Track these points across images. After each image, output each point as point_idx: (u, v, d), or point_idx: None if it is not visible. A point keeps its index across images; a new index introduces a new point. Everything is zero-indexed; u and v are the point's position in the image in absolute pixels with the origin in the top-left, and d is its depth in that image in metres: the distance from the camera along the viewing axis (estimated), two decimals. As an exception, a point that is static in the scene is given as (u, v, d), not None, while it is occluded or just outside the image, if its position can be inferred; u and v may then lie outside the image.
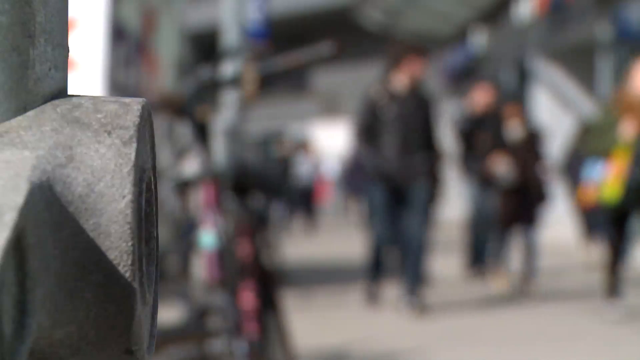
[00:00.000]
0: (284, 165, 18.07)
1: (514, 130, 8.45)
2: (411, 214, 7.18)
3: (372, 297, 7.52)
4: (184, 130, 3.06)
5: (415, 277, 7.16)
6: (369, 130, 7.28)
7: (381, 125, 7.19)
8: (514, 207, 8.26)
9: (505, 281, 8.29)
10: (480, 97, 8.95)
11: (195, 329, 2.97)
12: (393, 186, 7.20)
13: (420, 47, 7.76)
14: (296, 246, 13.63)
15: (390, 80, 7.38)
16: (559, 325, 6.55)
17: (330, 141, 25.77)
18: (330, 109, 27.42)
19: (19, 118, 0.50)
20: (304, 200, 19.43)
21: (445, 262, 10.08)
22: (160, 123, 3.12)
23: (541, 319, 6.90)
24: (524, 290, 8.07)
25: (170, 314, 4.57)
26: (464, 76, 19.78)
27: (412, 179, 7.18)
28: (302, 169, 20.16)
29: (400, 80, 7.31)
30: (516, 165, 8.26)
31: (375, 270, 7.54)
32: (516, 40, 18.11)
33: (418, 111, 7.27)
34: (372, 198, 7.55)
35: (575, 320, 6.76)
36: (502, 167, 8.34)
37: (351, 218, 21.78)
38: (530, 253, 8.37)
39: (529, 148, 8.36)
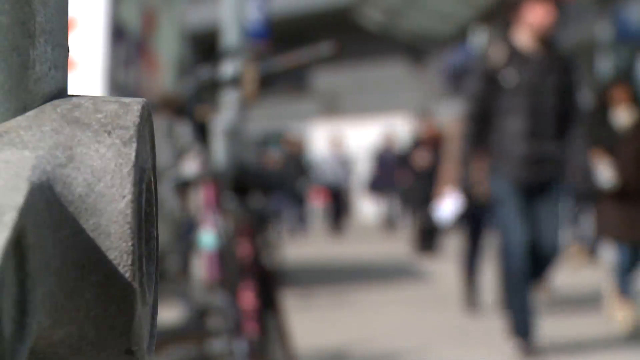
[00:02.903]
0: (295, 162, 17.38)
1: (622, 117, 6.58)
2: (540, 225, 5.44)
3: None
4: (184, 130, 3.07)
5: (530, 311, 5.45)
6: (485, 107, 5.47)
7: (502, 99, 5.43)
8: (629, 216, 6.38)
9: (632, 316, 6.33)
10: None
11: (195, 329, 2.97)
12: (521, 183, 5.44)
13: None
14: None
15: (512, 38, 5.60)
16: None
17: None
18: (330, 109, 27.40)
19: (19, 118, 0.50)
20: (333, 201, 18.12)
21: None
22: (160, 123, 3.12)
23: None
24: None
25: (170, 314, 4.57)
26: (464, 76, 19.77)
27: (545, 174, 5.46)
28: (331, 167, 18.66)
29: (523, 36, 5.55)
30: (626, 161, 6.40)
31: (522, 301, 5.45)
32: (516, 40, 18.10)
33: (550, 75, 5.48)
34: (498, 201, 5.54)
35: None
36: (604, 168, 6.44)
37: (351, 220, 21.77)
38: None
39: None
